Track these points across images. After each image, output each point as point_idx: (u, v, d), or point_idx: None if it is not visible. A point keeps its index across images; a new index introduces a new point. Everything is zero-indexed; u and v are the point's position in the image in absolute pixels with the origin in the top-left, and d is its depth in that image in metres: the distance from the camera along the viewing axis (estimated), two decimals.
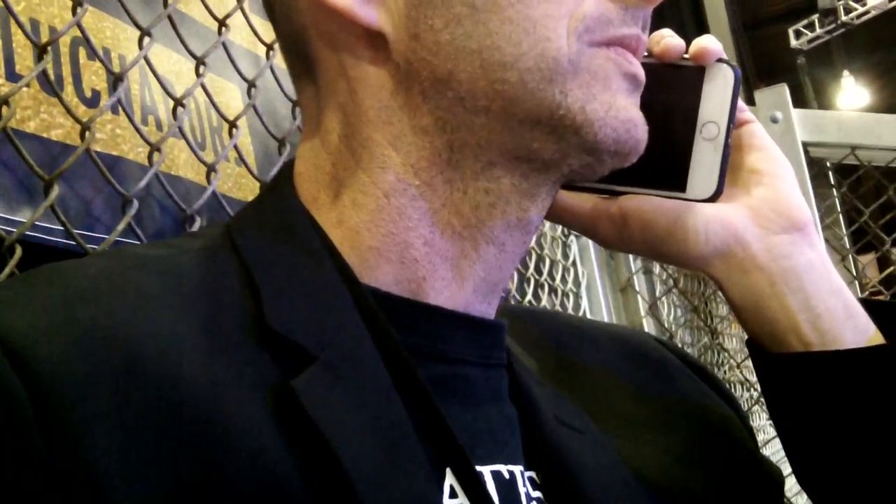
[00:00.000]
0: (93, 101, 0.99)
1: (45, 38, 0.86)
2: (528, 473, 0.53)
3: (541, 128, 0.51)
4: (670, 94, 0.58)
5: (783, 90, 1.68)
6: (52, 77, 0.88)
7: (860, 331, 0.58)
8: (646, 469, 0.58)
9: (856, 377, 0.56)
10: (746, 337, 0.62)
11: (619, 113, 0.52)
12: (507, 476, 0.51)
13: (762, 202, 0.60)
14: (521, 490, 0.51)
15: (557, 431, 0.56)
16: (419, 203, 0.52)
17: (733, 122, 0.58)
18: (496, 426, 0.54)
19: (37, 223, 0.78)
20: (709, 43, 0.59)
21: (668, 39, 0.59)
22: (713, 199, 0.58)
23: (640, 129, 0.54)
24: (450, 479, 0.48)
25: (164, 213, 1.03)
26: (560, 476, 0.54)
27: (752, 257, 0.59)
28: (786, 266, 0.58)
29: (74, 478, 0.38)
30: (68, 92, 0.96)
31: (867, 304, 0.60)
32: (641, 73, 0.54)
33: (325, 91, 0.54)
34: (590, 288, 1.99)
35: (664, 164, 0.57)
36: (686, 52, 0.60)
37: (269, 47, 1.12)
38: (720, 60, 0.58)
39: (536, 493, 0.53)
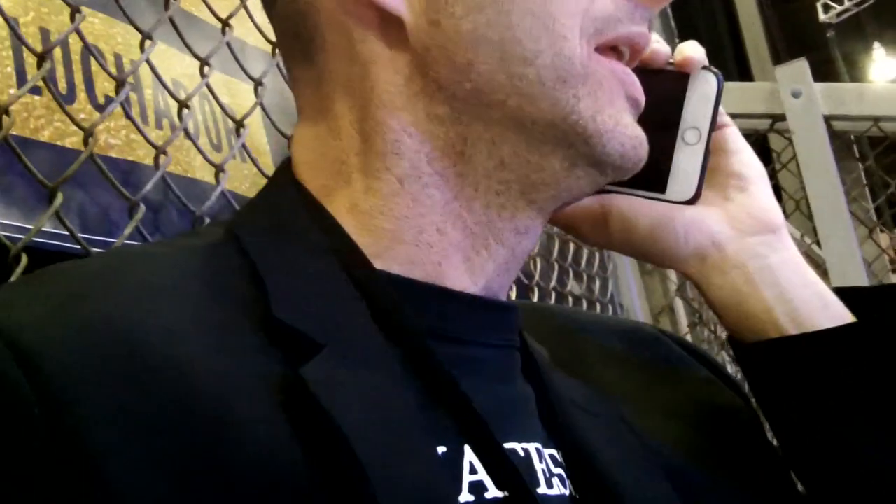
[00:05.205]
0: (105, 108, 1.01)
1: (57, 47, 0.87)
2: (548, 451, 0.53)
3: (553, 130, 0.51)
4: (655, 98, 0.59)
5: (803, 64, 1.67)
6: (59, 85, 0.89)
7: (836, 318, 0.59)
8: (658, 452, 0.58)
9: (828, 357, 0.58)
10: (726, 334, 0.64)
11: (626, 129, 0.53)
12: (521, 453, 0.51)
13: (737, 206, 0.62)
14: (539, 466, 0.51)
15: (574, 412, 0.56)
16: (431, 191, 0.52)
17: (714, 129, 0.60)
18: (509, 405, 0.54)
19: (49, 230, 0.79)
20: (693, 51, 0.61)
21: (655, 45, 0.61)
22: (692, 201, 0.60)
23: (644, 148, 0.54)
24: (469, 456, 0.47)
25: (181, 217, 1.05)
26: (580, 454, 0.54)
27: (727, 258, 0.61)
28: (760, 264, 0.61)
29: (81, 474, 0.38)
30: (81, 99, 0.98)
31: (842, 293, 0.62)
32: (642, 98, 0.55)
33: (333, 75, 0.53)
34: (616, 271, 1.98)
35: (647, 165, 0.58)
36: (672, 57, 0.61)
37: (275, 45, 1.12)
38: (704, 68, 0.61)
39: (558, 470, 0.53)
